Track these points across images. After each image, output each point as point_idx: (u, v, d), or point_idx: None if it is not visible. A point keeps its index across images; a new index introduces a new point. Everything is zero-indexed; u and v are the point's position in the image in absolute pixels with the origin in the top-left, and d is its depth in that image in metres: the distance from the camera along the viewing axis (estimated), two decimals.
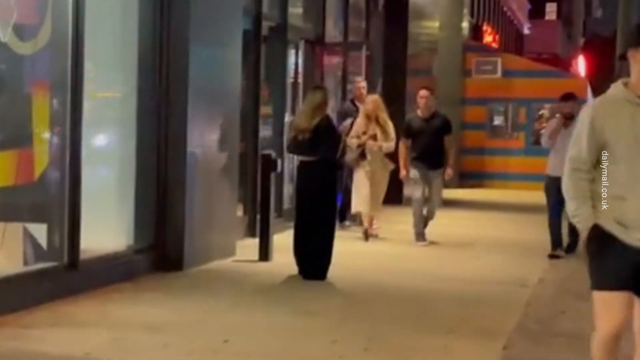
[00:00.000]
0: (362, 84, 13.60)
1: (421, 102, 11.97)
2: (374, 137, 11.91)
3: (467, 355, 6.41)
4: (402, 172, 12.03)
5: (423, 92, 12.06)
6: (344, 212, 12.84)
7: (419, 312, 7.78)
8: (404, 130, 12.05)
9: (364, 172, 11.99)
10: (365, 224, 12.15)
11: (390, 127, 12.08)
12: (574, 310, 8.10)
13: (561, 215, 10.87)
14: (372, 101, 12.23)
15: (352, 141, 11.83)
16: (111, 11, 8.98)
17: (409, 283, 9.16)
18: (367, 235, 12.03)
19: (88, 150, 8.26)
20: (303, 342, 6.59)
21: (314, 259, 9.12)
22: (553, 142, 11.20)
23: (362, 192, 12.00)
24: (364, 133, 12.00)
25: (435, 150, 11.81)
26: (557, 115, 11.61)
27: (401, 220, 13.10)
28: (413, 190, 12.06)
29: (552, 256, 11.17)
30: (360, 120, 12.10)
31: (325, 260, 9.12)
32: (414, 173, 11.87)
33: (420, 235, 11.92)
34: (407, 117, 12.53)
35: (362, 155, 11.97)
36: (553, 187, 10.65)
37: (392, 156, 12.23)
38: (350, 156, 11.71)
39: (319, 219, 9.13)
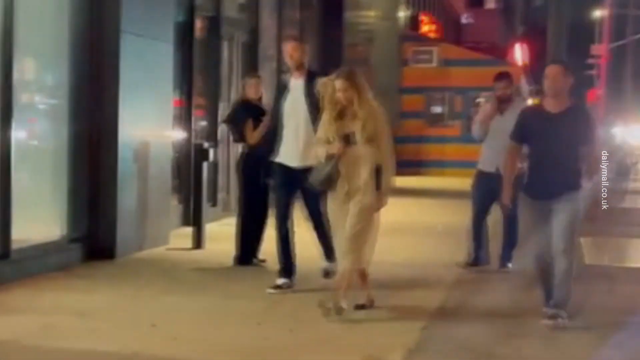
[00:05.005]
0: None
1: (549, 85, 7.04)
2: (346, 139, 7.14)
3: (385, 335, 6.63)
4: (505, 198, 7.32)
5: (550, 70, 7.08)
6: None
7: (346, 295, 7.97)
8: (516, 128, 7.29)
9: (337, 202, 7.28)
10: (342, 287, 7.12)
11: (383, 120, 7.27)
12: (496, 291, 8.38)
13: (486, 222, 9.35)
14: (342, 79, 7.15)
15: (318, 151, 7.33)
16: (42, 2, 9.06)
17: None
18: (361, 305, 7.34)
19: (20, 142, 8.37)
20: (229, 325, 6.79)
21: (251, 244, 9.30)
22: (485, 129, 9.15)
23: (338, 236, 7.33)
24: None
25: (564, 165, 7.02)
26: (483, 98, 9.79)
27: None
28: (528, 232, 7.26)
29: (467, 267, 9.28)
30: (326, 117, 7.26)
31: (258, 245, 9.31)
32: (526, 203, 7.14)
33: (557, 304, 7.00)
34: (523, 109, 7.78)
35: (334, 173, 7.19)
36: (484, 185, 9.10)
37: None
38: (316, 175, 7.31)
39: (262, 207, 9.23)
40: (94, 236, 9.28)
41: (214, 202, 12.47)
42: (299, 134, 8.02)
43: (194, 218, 10.35)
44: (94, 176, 9.33)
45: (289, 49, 8.13)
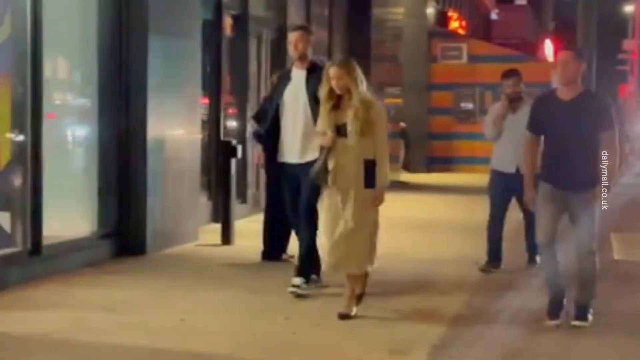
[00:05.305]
0: None
1: (560, 72, 6.79)
2: (338, 130, 6.88)
3: (410, 331, 6.66)
4: (528, 195, 7.06)
5: (562, 56, 6.88)
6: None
7: (372, 291, 8.02)
8: (530, 119, 7.08)
9: (328, 199, 6.97)
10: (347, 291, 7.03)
11: (380, 114, 6.93)
12: (522, 289, 8.38)
13: (504, 223, 9.18)
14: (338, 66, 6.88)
15: (321, 141, 7.04)
16: (70, 2, 9.17)
17: None
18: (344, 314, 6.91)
19: (50, 140, 8.47)
20: (257, 319, 6.85)
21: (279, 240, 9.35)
22: (499, 130, 8.89)
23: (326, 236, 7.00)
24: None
25: (581, 154, 6.79)
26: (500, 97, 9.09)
27: None
28: (538, 217, 6.95)
29: (484, 270, 9.11)
30: (322, 107, 6.99)
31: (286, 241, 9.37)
32: (543, 188, 6.90)
33: (554, 309, 6.95)
34: (537, 98, 7.34)
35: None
36: (500, 186, 9.03)
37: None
38: (315, 168, 7.00)
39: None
40: (124, 232, 9.39)
41: (243, 198, 12.55)
42: (297, 125, 7.79)
43: (222, 214, 10.44)
44: (124, 173, 9.43)
45: (294, 38, 7.90)
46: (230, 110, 12.92)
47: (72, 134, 9.38)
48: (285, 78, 8.00)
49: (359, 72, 6.90)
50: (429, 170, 23.60)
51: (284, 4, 14.70)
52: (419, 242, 11.24)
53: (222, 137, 11.86)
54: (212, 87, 12.00)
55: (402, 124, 23.45)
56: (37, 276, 7.90)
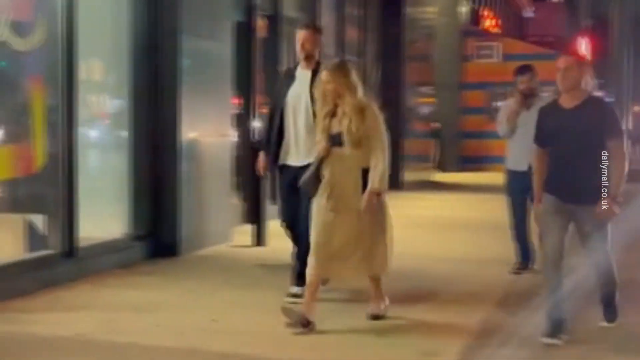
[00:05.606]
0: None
1: (561, 79, 6.40)
2: (333, 138, 6.60)
3: (441, 331, 6.68)
4: (537, 205, 6.67)
5: (562, 62, 6.42)
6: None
7: (404, 291, 8.03)
8: (536, 130, 6.69)
9: (321, 206, 6.69)
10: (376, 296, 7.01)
11: (374, 117, 6.59)
12: None
13: (527, 220, 8.84)
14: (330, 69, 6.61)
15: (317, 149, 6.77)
16: (103, 4, 9.26)
17: (397, 264, 9.39)
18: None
19: (84, 142, 8.57)
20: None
21: None
22: (513, 127, 8.78)
23: (319, 243, 6.67)
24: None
25: (586, 166, 6.40)
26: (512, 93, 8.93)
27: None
28: (544, 231, 6.58)
29: (516, 272, 9.06)
30: (318, 114, 6.78)
31: None
32: (547, 200, 6.55)
33: (554, 324, 6.49)
34: (541, 107, 6.86)
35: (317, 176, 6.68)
36: (516, 185, 8.86)
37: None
38: (305, 177, 6.80)
39: None
40: (157, 234, 9.47)
41: (275, 199, 12.58)
42: (299, 126, 7.47)
43: (253, 215, 10.50)
44: (156, 175, 9.52)
45: (302, 37, 7.53)
46: (262, 111, 12.95)
47: (106, 136, 9.48)
48: (289, 78, 7.66)
49: (353, 77, 6.56)
50: (461, 169, 23.55)
51: (317, 5, 14.74)
52: (449, 241, 11.24)
53: (253, 137, 11.89)
54: (244, 88, 12.04)
55: (436, 124, 23.43)
56: (72, 278, 7.99)
